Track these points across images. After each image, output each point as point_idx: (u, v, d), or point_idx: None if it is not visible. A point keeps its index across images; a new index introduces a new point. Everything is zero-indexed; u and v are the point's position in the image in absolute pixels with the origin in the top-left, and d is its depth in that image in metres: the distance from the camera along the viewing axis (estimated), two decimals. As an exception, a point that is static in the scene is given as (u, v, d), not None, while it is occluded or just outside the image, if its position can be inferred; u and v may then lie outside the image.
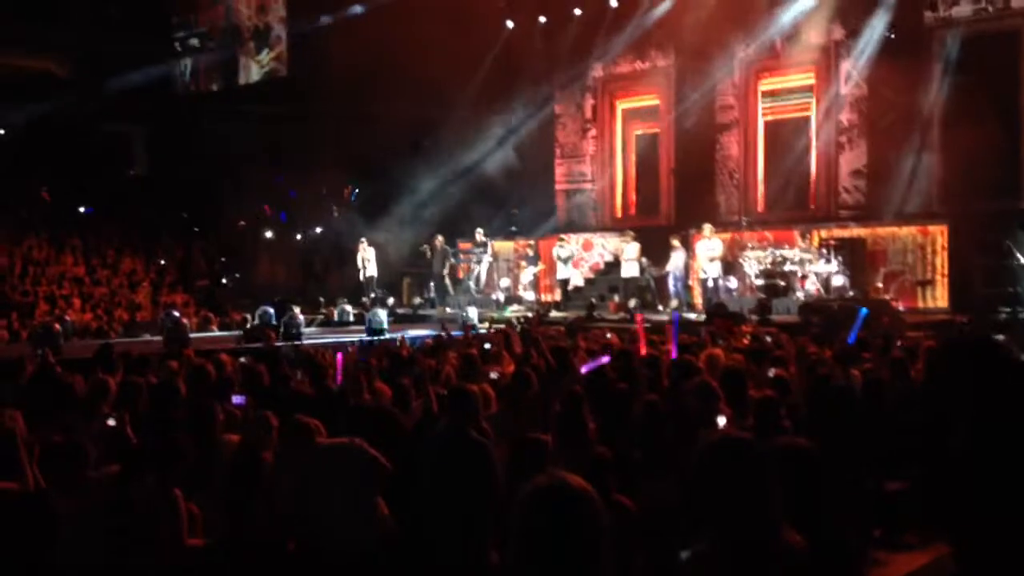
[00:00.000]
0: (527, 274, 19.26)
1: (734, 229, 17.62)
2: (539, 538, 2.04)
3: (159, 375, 7.45)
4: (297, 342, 13.32)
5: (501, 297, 18.99)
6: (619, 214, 21.06)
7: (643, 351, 7.81)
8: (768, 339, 9.76)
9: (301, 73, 21.48)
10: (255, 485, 4.00)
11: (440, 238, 19.59)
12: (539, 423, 5.35)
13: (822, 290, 15.41)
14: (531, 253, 19.34)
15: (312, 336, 15.18)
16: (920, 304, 15.60)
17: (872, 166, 17.10)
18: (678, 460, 3.83)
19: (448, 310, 18.11)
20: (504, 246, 20.74)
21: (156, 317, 18.11)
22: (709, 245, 16.47)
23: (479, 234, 19.73)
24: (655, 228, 18.70)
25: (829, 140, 17.67)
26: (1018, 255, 13.73)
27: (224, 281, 24.21)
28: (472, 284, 19.70)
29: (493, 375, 7.10)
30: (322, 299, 19.69)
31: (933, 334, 11.11)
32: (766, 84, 18.84)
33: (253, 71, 22.90)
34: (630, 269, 17.23)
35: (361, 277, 19.79)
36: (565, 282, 18.54)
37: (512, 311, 17.38)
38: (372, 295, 19.17)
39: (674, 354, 7.24)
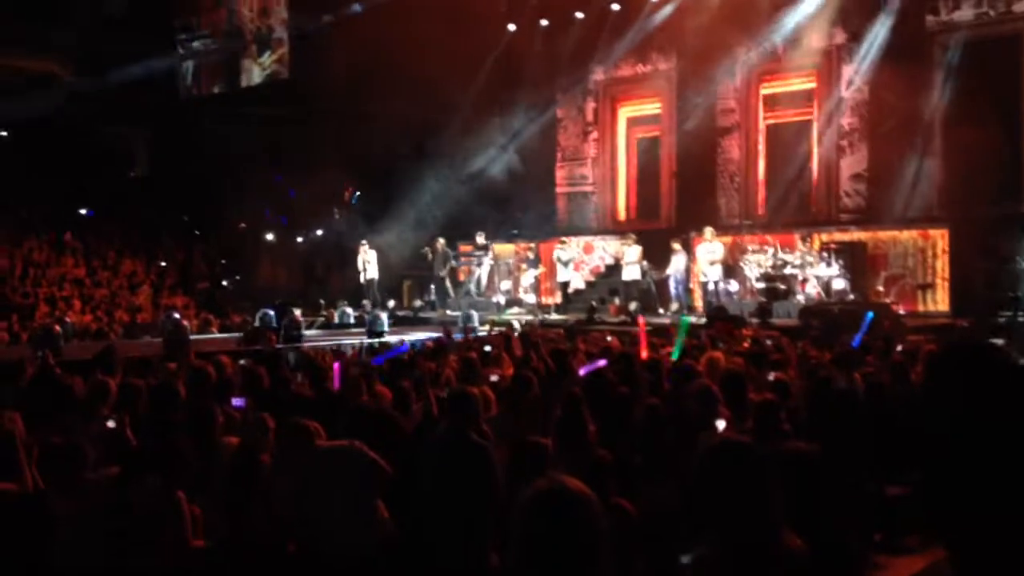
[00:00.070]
0: (528, 277, 19.25)
1: (735, 232, 17.63)
2: (539, 542, 2.03)
3: (159, 377, 7.43)
4: (297, 344, 13.31)
5: (502, 300, 18.99)
6: (620, 217, 21.07)
7: (644, 355, 7.81)
8: (768, 342, 9.76)
9: (302, 75, 21.48)
10: (253, 487, 3.99)
11: (441, 241, 19.60)
12: (539, 426, 5.34)
13: (823, 294, 15.41)
14: (532, 256, 19.35)
15: (313, 339, 15.16)
16: (921, 308, 15.58)
17: (873, 170, 17.10)
18: (679, 464, 3.82)
19: (449, 313, 18.10)
20: (505, 249, 20.74)
21: (156, 319, 18.11)
22: (710, 248, 16.48)
23: (480, 237, 19.74)
24: (656, 231, 18.69)
25: (830, 144, 17.67)
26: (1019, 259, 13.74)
27: (225, 283, 24.23)
28: (473, 287, 19.71)
29: (493, 378, 7.09)
30: (323, 301, 19.69)
31: (934, 338, 11.10)
32: (767, 88, 18.85)
33: (255, 73, 22.91)
34: (631, 272, 17.23)
35: (362, 279, 19.78)
36: (565, 285, 18.52)
37: (513, 314, 17.37)
38: (373, 298, 19.18)
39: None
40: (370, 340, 13.80)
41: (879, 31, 16.66)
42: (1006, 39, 16.03)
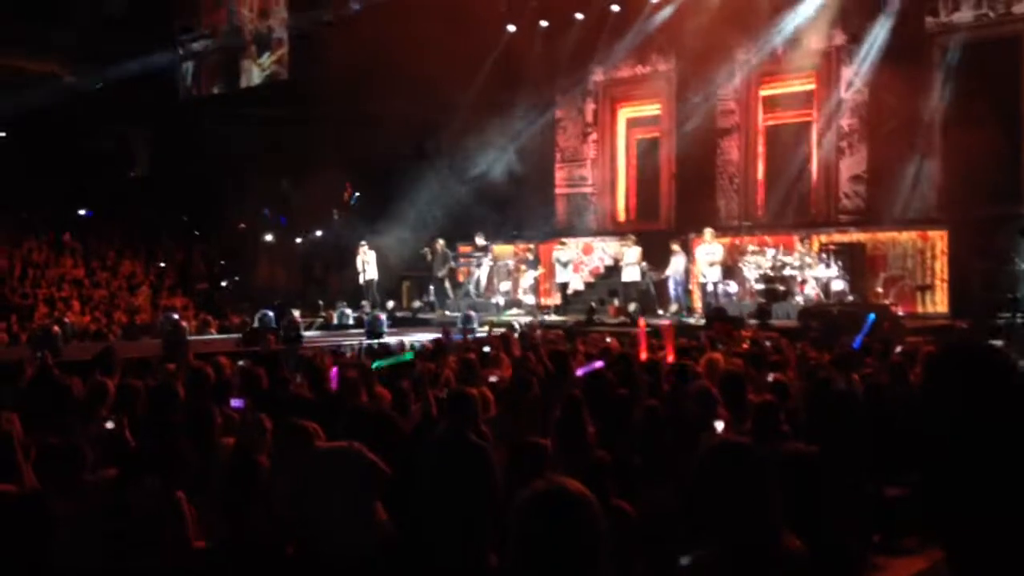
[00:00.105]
0: (527, 278, 19.24)
1: (734, 234, 17.63)
2: (537, 543, 2.03)
3: (157, 378, 7.43)
4: (297, 345, 13.29)
5: (501, 301, 18.99)
6: (619, 218, 21.06)
7: (643, 356, 7.81)
8: (767, 343, 9.76)
9: (302, 76, 21.48)
10: (251, 488, 3.99)
11: (440, 241, 19.59)
12: (538, 427, 5.34)
13: (822, 295, 15.41)
14: (531, 257, 19.35)
15: (312, 340, 15.15)
16: (920, 309, 15.59)
17: (872, 171, 17.10)
18: (678, 465, 3.82)
19: (448, 314, 18.10)
20: (504, 250, 20.73)
21: (155, 320, 18.10)
22: (709, 249, 16.48)
23: (479, 238, 19.73)
24: (655, 232, 18.69)
25: (830, 145, 17.66)
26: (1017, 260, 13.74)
27: (224, 284, 24.21)
28: (472, 288, 19.70)
29: (492, 379, 7.09)
30: (322, 302, 19.69)
31: (933, 339, 11.11)
32: (767, 89, 18.86)
33: (254, 74, 22.92)
34: (630, 273, 17.23)
35: (361, 280, 19.78)
36: (565, 286, 18.53)
37: (512, 315, 17.37)
38: (372, 298, 19.17)
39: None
40: (369, 341, 13.79)
41: (879, 32, 16.66)
42: (1006, 40, 16.03)
